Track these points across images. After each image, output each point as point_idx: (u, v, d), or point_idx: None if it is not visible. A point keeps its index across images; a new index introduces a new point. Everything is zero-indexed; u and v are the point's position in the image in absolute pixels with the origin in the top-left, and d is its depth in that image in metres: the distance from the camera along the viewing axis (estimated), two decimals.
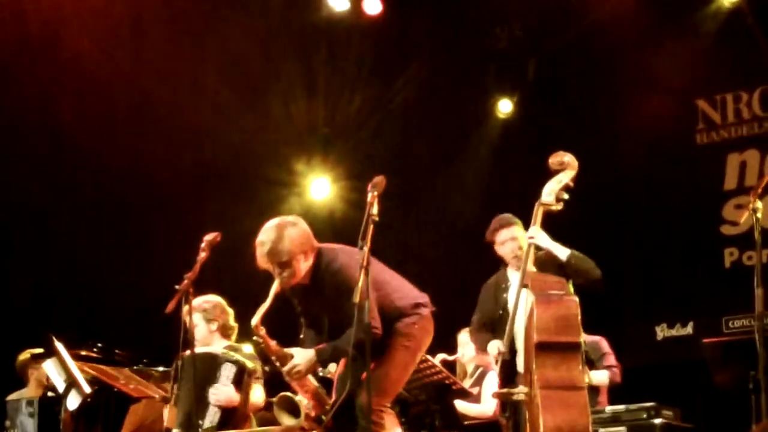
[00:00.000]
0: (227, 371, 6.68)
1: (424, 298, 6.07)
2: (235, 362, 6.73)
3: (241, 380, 6.68)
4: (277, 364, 5.87)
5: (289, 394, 5.83)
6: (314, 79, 10.66)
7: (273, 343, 5.86)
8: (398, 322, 5.87)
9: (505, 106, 11.10)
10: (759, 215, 5.98)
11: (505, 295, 6.73)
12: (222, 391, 6.60)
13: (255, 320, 5.77)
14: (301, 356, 5.80)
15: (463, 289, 10.10)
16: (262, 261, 5.86)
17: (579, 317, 6.24)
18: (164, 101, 10.17)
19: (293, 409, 5.78)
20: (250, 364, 6.78)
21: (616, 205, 10.40)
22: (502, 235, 6.81)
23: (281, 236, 5.80)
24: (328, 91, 10.81)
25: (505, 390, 6.35)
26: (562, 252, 6.53)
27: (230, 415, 6.64)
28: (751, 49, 9.98)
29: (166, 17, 10.05)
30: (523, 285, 6.33)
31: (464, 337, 8.36)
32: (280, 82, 10.57)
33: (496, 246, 6.87)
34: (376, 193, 5.42)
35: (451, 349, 8.27)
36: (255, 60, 10.41)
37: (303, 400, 5.82)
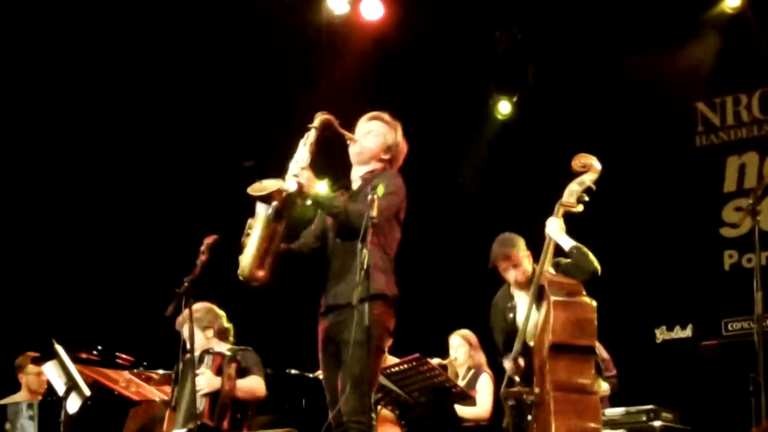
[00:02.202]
0: (206, 362, 6.73)
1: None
2: (213, 353, 6.78)
3: (221, 367, 6.71)
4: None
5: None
6: (314, 81, 10.65)
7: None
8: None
9: (504, 108, 11.10)
10: (758, 218, 5.98)
11: (512, 315, 6.74)
12: (201, 379, 6.60)
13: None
14: (312, 176, 5.64)
15: (455, 294, 10.13)
16: (364, 122, 5.88)
17: (595, 322, 6.24)
18: (165, 100, 10.19)
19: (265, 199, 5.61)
20: (228, 353, 6.81)
21: (616, 207, 10.40)
22: (501, 267, 6.78)
23: (398, 131, 5.91)
24: (327, 93, 10.81)
25: (516, 389, 6.31)
26: (567, 243, 6.52)
27: (216, 400, 6.64)
28: (751, 51, 9.98)
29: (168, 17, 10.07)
30: (539, 285, 6.34)
31: (455, 341, 8.37)
32: (280, 84, 10.56)
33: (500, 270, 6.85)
34: (375, 195, 5.42)
35: (444, 352, 8.28)
36: (255, 62, 10.42)
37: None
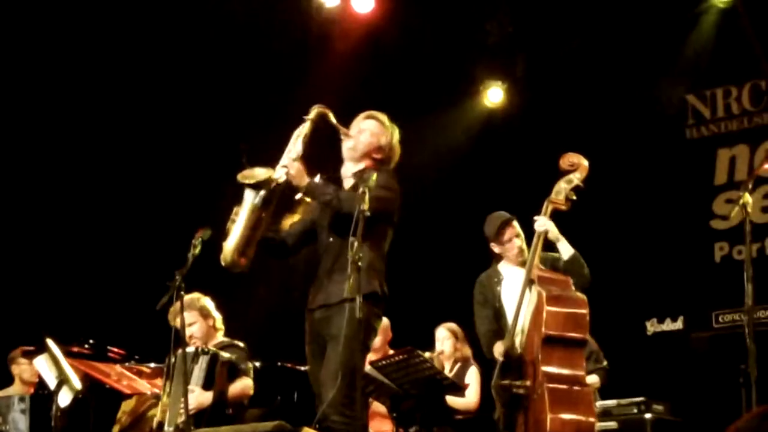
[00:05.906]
0: (200, 364, 6.68)
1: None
2: (208, 353, 6.74)
3: (214, 371, 6.68)
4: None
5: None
6: (306, 72, 10.64)
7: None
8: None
9: (493, 97, 11.11)
10: (749, 210, 5.99)
11: (498, 288, 6.73)
12: (190, 399, 6.41)
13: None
14: (302, 167, 5.66)
15: (441, 285, 10.13)
16: (360, 120, 5.90)
17: (588, 316, 6.27)
18: (156, 90, 10.20)
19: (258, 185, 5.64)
20: (225, 355, 6.79)
21: (606, 199, 10.40)
22: (507, 234, 6.78)
23: (394, 134, 5.92)
24: (318, 86, 10.80)
25: (506, 382, 6.29)
26: (567, 250, 6.55)
27: (204, 412, 6.60)
28: (741, 44, 9.99)
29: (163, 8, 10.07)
30: (530, 280, 6.34)
31: (441, 333, 8.39)
32: (275, 76, 10.54)
33: (498, 245, 6.81)
34: (366, 188, 5.41)
35: (429, 344, 8.29)
36: (249, 53, 10.41)
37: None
